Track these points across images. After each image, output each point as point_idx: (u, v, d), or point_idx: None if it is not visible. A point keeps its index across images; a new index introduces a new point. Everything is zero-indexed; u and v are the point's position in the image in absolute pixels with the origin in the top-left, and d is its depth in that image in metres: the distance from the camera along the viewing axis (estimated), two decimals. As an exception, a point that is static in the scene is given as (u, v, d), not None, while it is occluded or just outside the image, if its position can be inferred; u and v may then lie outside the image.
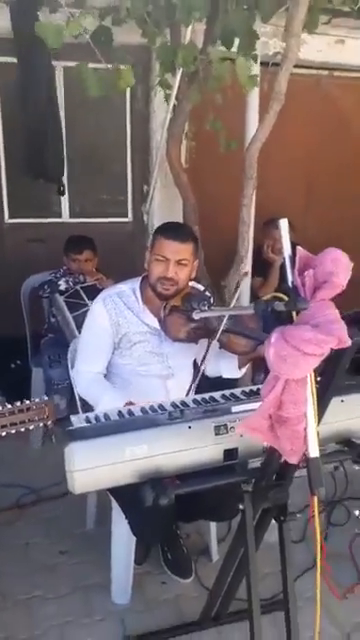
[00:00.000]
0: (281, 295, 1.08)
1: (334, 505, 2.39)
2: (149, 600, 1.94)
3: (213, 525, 2.10)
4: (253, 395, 1.60)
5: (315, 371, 1.06)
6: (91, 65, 3.14)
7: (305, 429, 1.06)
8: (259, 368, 2.92)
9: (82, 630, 1.80)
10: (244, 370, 1.90)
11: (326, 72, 3.78)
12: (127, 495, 1.69)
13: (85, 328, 1.95)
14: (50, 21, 2.36)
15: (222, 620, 1.80)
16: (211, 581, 1.78)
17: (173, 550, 2.08)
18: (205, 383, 1.98)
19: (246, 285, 2.81)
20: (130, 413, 1.52)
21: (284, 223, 1.11)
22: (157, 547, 2.12)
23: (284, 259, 1.12)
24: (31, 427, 1.51)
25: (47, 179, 3.31)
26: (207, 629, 1.80)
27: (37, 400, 1.52)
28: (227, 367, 1.86)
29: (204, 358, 1.82)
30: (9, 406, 1.49)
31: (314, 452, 1.06)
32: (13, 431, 1.49)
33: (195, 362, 1.98)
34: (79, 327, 2.73)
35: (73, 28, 2.33)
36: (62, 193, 3.49)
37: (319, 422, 1.09)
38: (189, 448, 1.32)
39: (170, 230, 1.83)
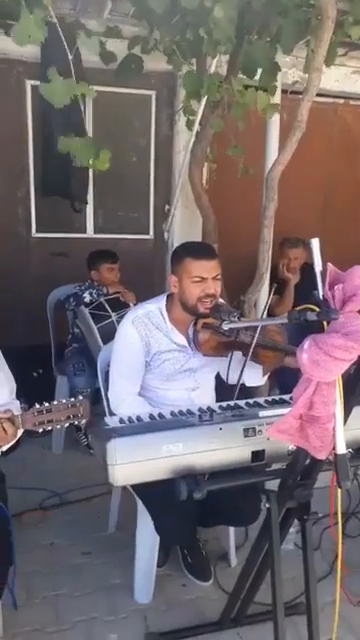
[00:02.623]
0: (312, 306, 1.19)
1: (348, 517, 2.44)
2: (170, 600, 2.01)
3: (232, 531, 2.17)
4: (276, 403, 1.70)
5: (342, 376, 1.16)
6: (115, 90, 3.34)
7: (333, 427, 1.15)
8: (274, 385, 3.03)
9: (107, 626, 1.88)
10: (266, 377, 1.99)
11: (342, 101, 3.97)
12: (154, 496, 1.78)
13: (118, 350, 1.97)
14: (57, 79, 2.30)
15: (241, 621, 1.86)
16: (230, 586, 1.85)
17: (193, 554, 2.15)
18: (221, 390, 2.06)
19: (265, 300, 2.89)
20: (161, 416, 1.63)
21: (315, 242, 1.23)
22: (177, 551, 2.19)
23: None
24: (66, 424, 1.60)
25: (71, 199, 3.42)
26: (226, 630, 1.86)
27: (72, 399, 1.61)
28: (251, 376, 1.94)
29: (243, 368, 1.87)
30: (47, 404, 1.58)
31: (341, 449, 1.16)
32: (50, 428, 1.59)
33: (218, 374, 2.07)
34: (103, 337, 2.86)
35: (82, 89, 2.34)
36: (79, 211, 3.55)
37: (345, 422, 1.19)
38: (220, 448, 1.42)
39: (199, 251, 1.90)
